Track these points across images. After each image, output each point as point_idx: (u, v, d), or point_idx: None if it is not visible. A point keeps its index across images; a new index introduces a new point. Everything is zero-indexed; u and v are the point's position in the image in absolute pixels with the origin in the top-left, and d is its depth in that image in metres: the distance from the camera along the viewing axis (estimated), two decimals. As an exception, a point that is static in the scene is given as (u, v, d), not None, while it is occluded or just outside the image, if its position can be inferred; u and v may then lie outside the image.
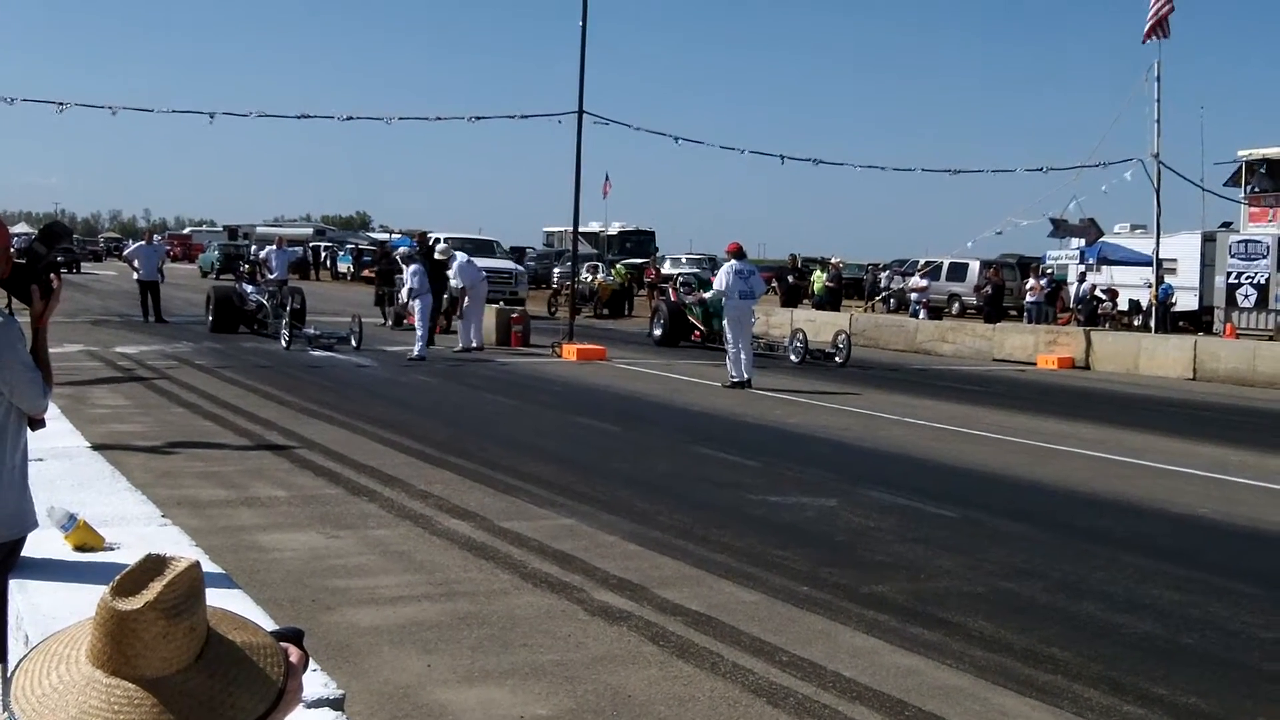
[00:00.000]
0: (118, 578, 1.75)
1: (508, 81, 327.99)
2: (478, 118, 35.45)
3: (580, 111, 30.28)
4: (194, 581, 1.78)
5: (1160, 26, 35.28)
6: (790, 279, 48.61)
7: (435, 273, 29.58)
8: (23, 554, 5.07)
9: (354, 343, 27.07)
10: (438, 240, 39.49)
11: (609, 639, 7.67)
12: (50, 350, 5.34)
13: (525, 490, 12.19)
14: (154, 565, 1.77)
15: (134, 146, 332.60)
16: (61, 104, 31.18)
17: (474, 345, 28.58)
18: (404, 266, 28.69)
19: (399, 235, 73.10)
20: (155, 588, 1.73)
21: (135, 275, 34.65)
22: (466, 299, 28.79)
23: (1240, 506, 12.98)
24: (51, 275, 5.38)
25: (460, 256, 29.67)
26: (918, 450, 15.97)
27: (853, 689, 6.87)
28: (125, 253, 33.36)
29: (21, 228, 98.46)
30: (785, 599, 8.71)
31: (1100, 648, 7.86)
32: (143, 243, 36.51)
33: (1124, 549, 10.79)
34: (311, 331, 27.75)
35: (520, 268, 47.33)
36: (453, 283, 29.14)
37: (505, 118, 35.73)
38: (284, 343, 26.80)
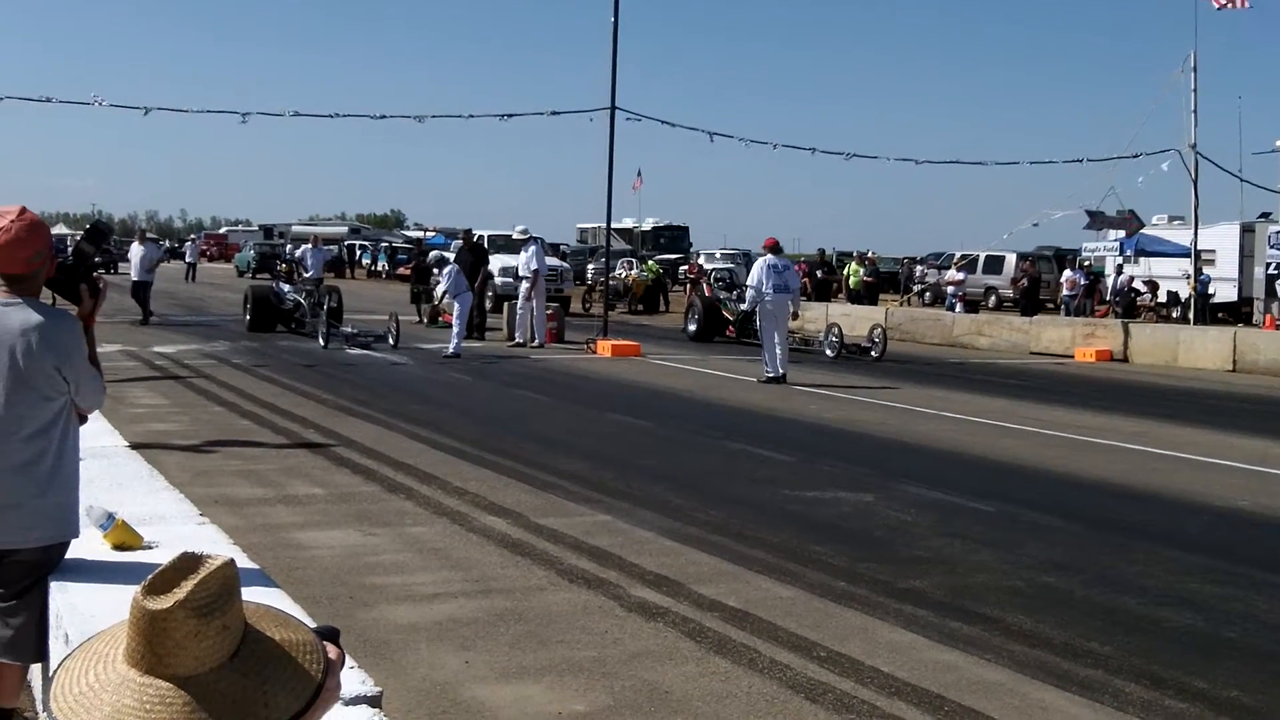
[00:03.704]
0: (150, 577, 1.75)
1: (540, 78, 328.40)
2: (510, 115, 35.34)
3: (613, 108, 30.28)
4: (227, 580, 1.77)
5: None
6: (820, 274, 48.50)
7: (473, 270, 29.72)
8: (61, 554, 5.10)
9: (391, 341, 27.08)
10: (481, 237, 39.63)
11: (646, 635, 7.66)
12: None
13: (561, 487, 12.20)
14: (187, 564, 1.77)
15: (169, 147, 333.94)
16: (97, 102, 31.30)
17: (535, 341, 28.71)
18: (438, 268, 28.70)
19: (433, 233, 73.39)
20: (186, 586, 1.73)
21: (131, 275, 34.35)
22: (533, 291, 28.89)
23: (1281, 499, 12.89)
24: (95, 275, 5.41)
25: (534, 244, 29.71)
26: (954, 445, 15.91)
27: (891, 684, 6.84)
28: (129, 253, 33.18)
29: (60, 229, 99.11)
30: (822, 594, 8.69)
31: (1140, 641, 7.81)
32: (135, 242, 36.20)
33: (1163, 542, 10.73)
34: (349, 330, 27.82)
35: (566, 265, 47.41)
36: (526, 269, 29.11)
37: (537, 114, 35.66)
38: (321, 341, 26.86)
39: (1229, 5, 34.88)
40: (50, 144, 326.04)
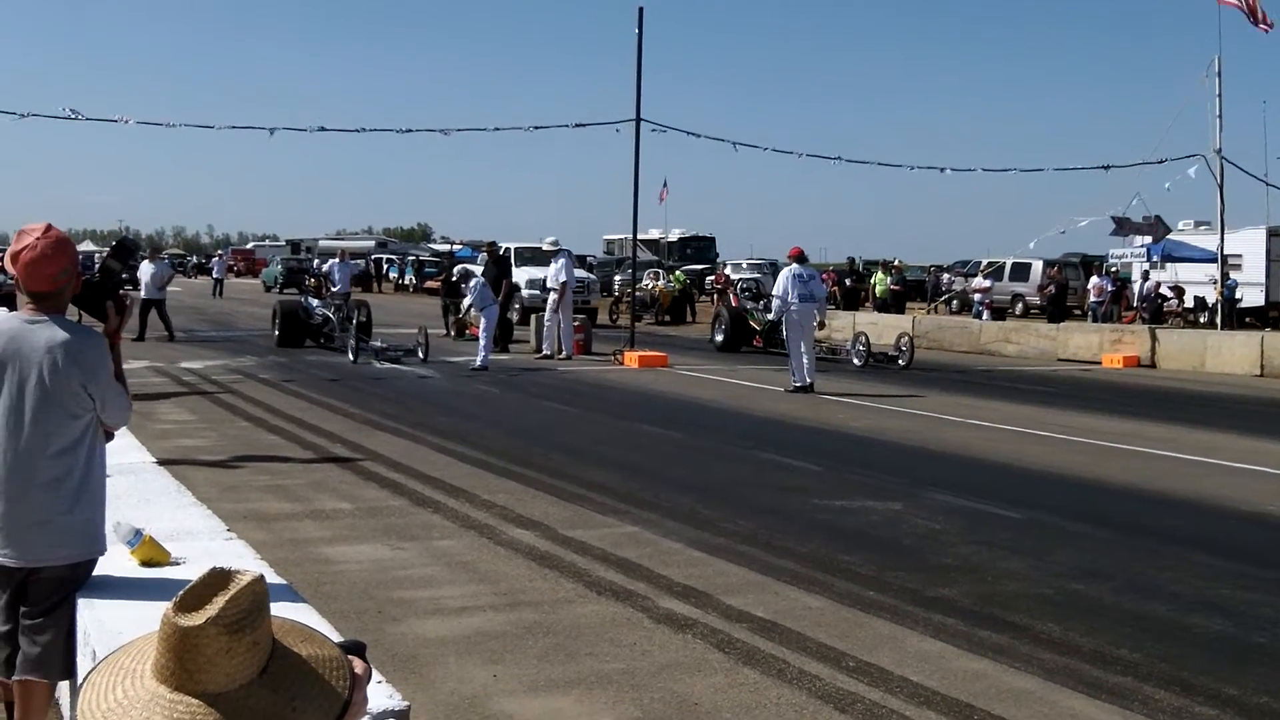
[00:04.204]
0: (181, 593, 1.75)
1: (566, 90, 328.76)
2: (536, 127, 35.47)
3: (638, 119, 30.29)
4: (257, 596, 1.78)
5: (1253, 13, 34.90)
6: (848, 282, 48.45)
7: (497, 282, 29.78)
8: (87, 569, 5.12)
9: (421, 355, 27.08)
10: (507, 250, 39.70)
11: (674, 647, 7.66)
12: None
13: (588, 498, 12.21)
14: (217, 580, 1.78)
15: (196, 162, 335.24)
16: (124, 119, 31.49)
17: (563, 353, 28.77)
18: (464, 283, 28.72)
19: (460, 246, 73.52)
20: (218, 603, 1.73)
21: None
22: (560, 302, 28.96)
23: (1311, 504, 12.84)
24: (121, 292, 5.45)
25: (563, 256, 29.78)
26: (982, 452, 15.88)
27: (920, 693, 6.83)
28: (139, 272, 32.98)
29: (87, 245, 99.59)
30: (851, 604, 8.68)
31: (1170, 648, 7.78)
32: (145, 260, 36.11)
33: (1192, 548, 10.69)
34: (378, 344, 27.81)
35: (592, 277, 47.45)
36: (555, 281, 29.17)
37: (562, 127, 35.76)
38: (351, 356, 26.86)
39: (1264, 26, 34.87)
40: (78, 160, 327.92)
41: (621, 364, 27.66)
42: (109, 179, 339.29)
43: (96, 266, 5.58)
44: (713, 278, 59.13)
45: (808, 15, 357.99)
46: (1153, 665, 7.41)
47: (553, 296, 29.34)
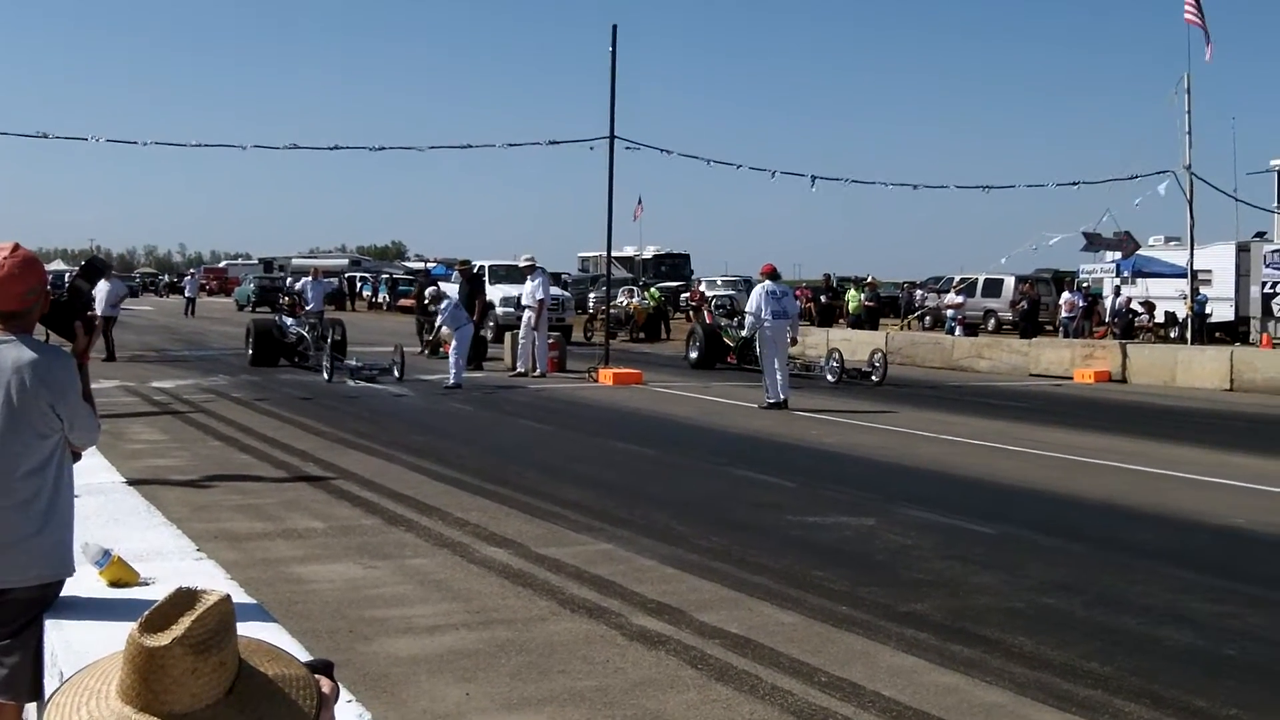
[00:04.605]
0: (147, 613, 1.75)
1: (540, 107, 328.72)
2: (510, 144, 35.51)
3: (612, 137, 30.35)
4: (224, 616, 1.78)
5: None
6: (824, 299, 48.57)
7: (470, 301, 29.78)
8: (56, 591, 5.10)
9: (396, 373, 26.96)
10: (481, 268, 39.71)
11: (647, 664, 7.66)
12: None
13: (562, 516, 12.21)
14: (184, 600, 1.78)
15: (167, 181, 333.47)
16: (94, 138, 31.39)
17: (537, 371, 28.75)
18: (437, 303, 28.67)
19: (435, 263, 73.45)
20: (184, 623, 1.73)
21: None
22: (536, 320, 28.94)
23: (1279, 516, 12.92)
24: (89, 312, 5.43)
25: (539, 274, 29.78)
26: (955, 467, 15.92)
27: (893, 708, 6.85)
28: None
29: (57, 265, 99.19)
30: (824, 619, 8.70)
31: (1140, 661, 7.82)
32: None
33: (1163, 562, 10.74)
34: (353, 363, 27.73)
35: (567, 294, 47.49)
36: (531, 299, 29.15)
37: (536, 144, 35.80)
38: (326, 375, 26.71)
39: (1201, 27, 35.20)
40: (48, 180, 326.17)
41: (596, 381, 27.66)
42: (80, 198, 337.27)
43: (65, 286, 5.57)
44: (688, 294, 59.25)
45: (782, 33, 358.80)
46: (1123, 679, 7.44)
47: (528, 314, 29.32)
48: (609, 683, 7.26)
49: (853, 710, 6.81)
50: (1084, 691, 7.19)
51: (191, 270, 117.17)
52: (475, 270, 34.72)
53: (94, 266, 6.02)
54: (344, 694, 3.27)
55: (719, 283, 65.24)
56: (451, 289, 31.98)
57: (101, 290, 33.27)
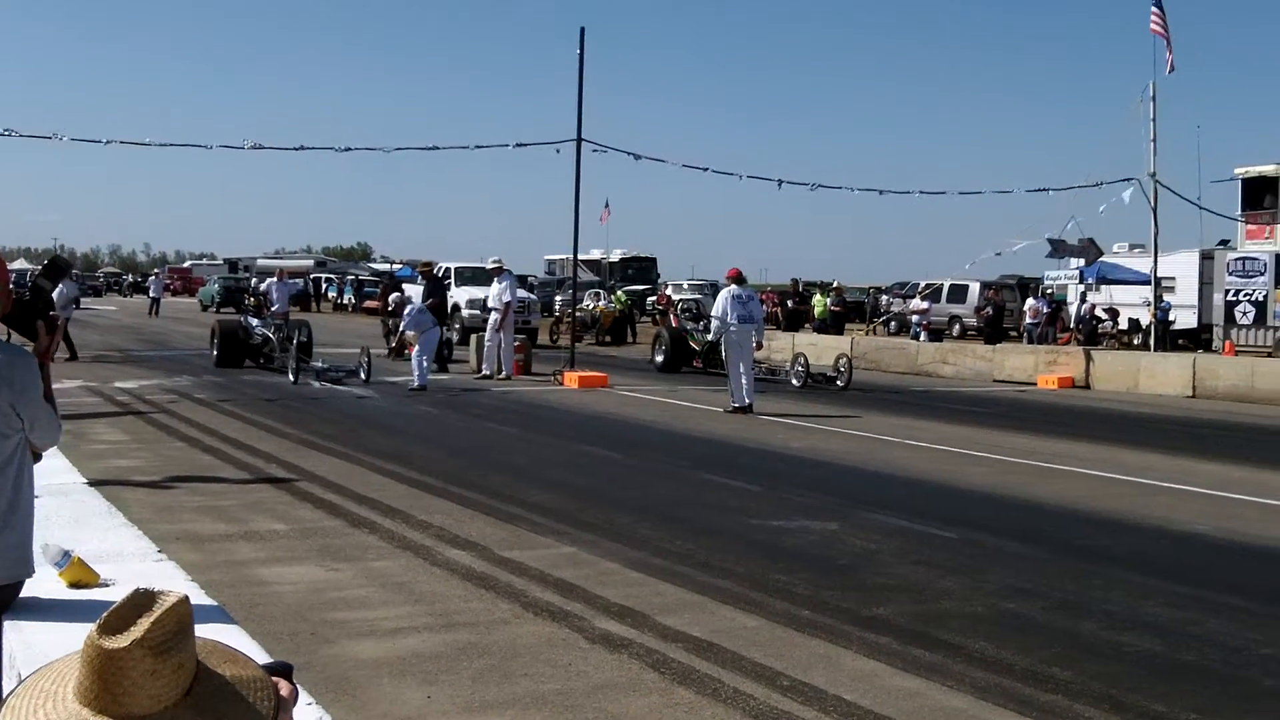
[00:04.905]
0: (105, 614, 1.74)
1: (507, 109, 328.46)
2: (477, 146, 35.43)
3: (579, 139, 30.33)
4: (182, 618, 1.77)
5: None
6: (790, 304, 48.71)
7: (438, 305, 29.77)
8: (15, 592, 5.07)
9: (363, 375, 26.86)
10: (447, 270, 39.63)
11: (610, 667, 7.66)
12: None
13: (526, 519, 12.19)
14: (142, 601, 1.76)
15: (132, 180, 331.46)
16: (58, 136, 31.18)
17: (503, 373, 28.71)
18: (401, 309, 28.60)
19: (401, 266, 73.34)
20: (143, 624, 1.72)
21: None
22: (503, 323, 28.90)
23: (1240, 523, 12.99)
24: (51, 312, 5.41)
25: (506, 276, 29.74)
26: (919, 472, 15.98)
27: (855, 712, 6.86)
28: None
29: (20, 264, 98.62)
30: (787, 623, 8.71)
31: (1100, 666, 7.86)
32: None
33: (1124, 567, 10.79)
34: (319, 365, 27.60)
35: (533, 297, 47.48)
36: (498, 301, 29.10)
37: (503, 146, 35.72)
38: (292, 377, 26.56)
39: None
40: (12, 178, 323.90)
41: (562, 384, 27.65)
42: (44, 197, 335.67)
43: (29, 285, 5.54)
44: (655, 298, 59.33)
45: (750, 38, 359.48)
46: (1084, 684, 7.47)
47: (494, 316, 29.28)
48: (571, 686, 7.26)
49: (815, 714, 6.82)
50: (1045, 696, 7.22)
51: (156, 270, 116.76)
52: (439, 273, 34.62)
53: (57, 266, 6.00)
54: (304, 697, 3.27)
55: (685, 286, 65.40)
56: (417, 290, 31.95)
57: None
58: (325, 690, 6.73)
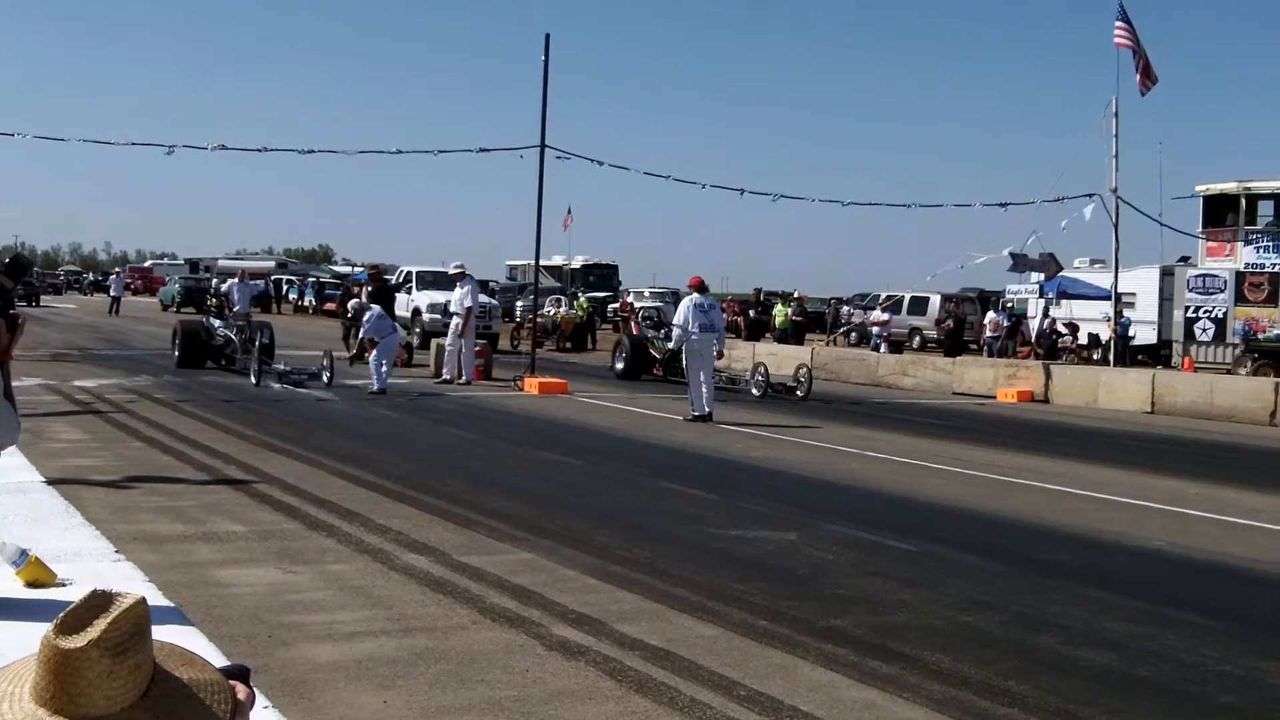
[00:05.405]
0: (62, 614, 1.73)
1: (471, 113, 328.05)
2: (440, 151, 35.42)
3: (542, 145, 30.31)
4: (140, 618, 1.76)
5: (1147, 74, 35.60)
6: (753, 313, 48.80)
7: (390, 308, 29.76)
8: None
9: (325, 378, 26.76)
10: (407, 274, 39.57)
11: (567, 674, 7.65)
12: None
13: (485, 525, 12.17)
14: (99, 602, 1.76)
15: (94, 179, 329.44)
16: (20, 134, 31.03)
17: (463, 379, 28.67)
18: (360, 316, 28.53)
19: (361, 268, 73.22)
20: (100, 625, 1.71)
21: None
22: (465, 328, 28.85)
23: (1197, 539, 13.07)
24: (13, 310, 5.38)
25: (468, 281, 29.70)
26: (877, 483, 16.02)
27: (810, 723, 6.87)
28: None
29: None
30: (744, 633, 8.72)
31: (1057, 680, 7.88)
32: None
33: (1081, 582, 10.84)
34: (281, 367, 27.45)
35: (494, 302, 47.45)
36: (459, 306, 29.05)
37: (466, 151, 35.71)
38: (254, 379, 26.44)
39: (1147, 87, 35.58)
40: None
41: (522, 390, 27.62)
42: (4, 194, 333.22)
43: None
44: (617, 305, 59.38)
45: (714, 46, 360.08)
46: (1040, 697, 7.50)
47: (456, 321, 29.24)
48: (528, 692, 7.25)
49: (771, 724, 6.83)
50: (1001, 710, 7.24)
51: (117, 269, 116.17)
52: (387, 281, 34.56)
53: (19, 264, 5.96)
54: (261, 700, 3.26)
55: (647, 294, 65.43)
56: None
57: None
58: (282, 694, 6.69)
